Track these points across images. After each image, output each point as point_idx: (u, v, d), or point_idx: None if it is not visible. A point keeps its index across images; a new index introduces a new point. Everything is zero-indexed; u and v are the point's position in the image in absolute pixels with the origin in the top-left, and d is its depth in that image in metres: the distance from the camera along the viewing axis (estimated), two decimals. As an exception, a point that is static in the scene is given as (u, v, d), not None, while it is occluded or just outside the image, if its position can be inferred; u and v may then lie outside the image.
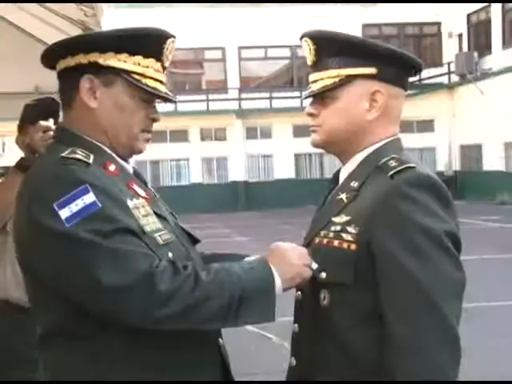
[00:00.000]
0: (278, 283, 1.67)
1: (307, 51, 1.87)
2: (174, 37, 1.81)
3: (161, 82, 1.79)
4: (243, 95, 27.16)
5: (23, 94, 4.04)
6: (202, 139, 27.20)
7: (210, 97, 26.79)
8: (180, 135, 26.47)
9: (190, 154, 26.74)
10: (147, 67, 1.75)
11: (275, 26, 26.24)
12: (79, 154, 1.66)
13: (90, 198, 1.56)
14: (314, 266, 1.75)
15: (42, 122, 2.82)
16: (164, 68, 1.81)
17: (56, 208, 1.55)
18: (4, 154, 21.39)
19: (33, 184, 1.67)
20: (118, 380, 1.65)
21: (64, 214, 1.55)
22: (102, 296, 1.55)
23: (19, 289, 2.92)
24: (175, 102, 2.01)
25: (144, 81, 1.74)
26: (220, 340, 1.88)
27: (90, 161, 1.65)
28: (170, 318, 1.56)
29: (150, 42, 1.75)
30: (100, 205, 1.57)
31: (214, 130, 27.23)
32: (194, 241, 1.98)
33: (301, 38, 1.89)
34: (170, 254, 1.69)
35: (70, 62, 1.74)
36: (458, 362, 1.61)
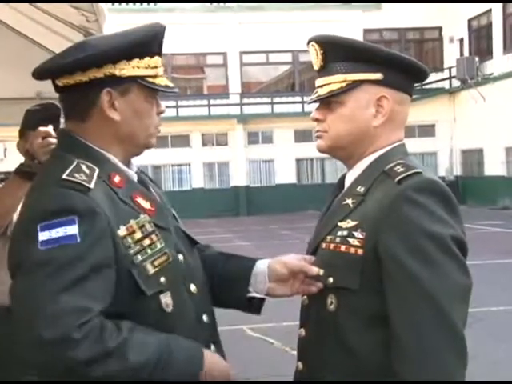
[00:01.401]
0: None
1: (314, 56, 1.87)
2: (165, 26, 1.83)
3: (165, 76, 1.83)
4: (245, 100, 27.19)
5: (25, 99, 4.04)
6: (204, 144, 27.23)
7: (212, 102, 26.83)
8: (181, 140, 26.50)
9: (192, 159, 26.76)
10: (156, 67, 1.77)
11: (277, 31, 26.30)
12: (83, 173, 1.64)
13: (72, 229, 1.55)
14: (321, 271, 1.77)
15: (42, 128, 2.80)
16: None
17: (39, 228, 1.55)
18: (5, 159, 21.45)
19: (32, 200, 1.67)
20: None
21: (42, 236, 1.54)
22: (23, 338, 1.54)
23: None
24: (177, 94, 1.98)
25: (157, 81, 1.77)
26: (212, 346, 1.86)
27: (92, 184, 1.63)
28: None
29: (154, 42, 1.78)
30: (79, 240, 1.55)
31: (216, 135, 27.27)
32: (194, 242, 1.97)
33: (308, 43, 1.89)
34: (163, 279, 1.69)
35: (82, 77, 1.70)
36: (464, 366, 1.62)
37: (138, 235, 1.68)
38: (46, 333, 1.47)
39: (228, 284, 1.98)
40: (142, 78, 1.74)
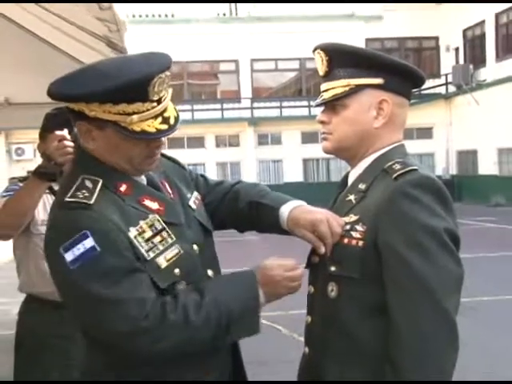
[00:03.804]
0: (262, 304, 1.73)
1: (319, 62, 1.87)
2: (163, 70, 1.65)
3: (154, 117, 1.67)
4: (255, 104, 27.16)
5: (53, 103, 4.06)
6: (217, 145, 27.22)
7: (225, 106, 26.81)
8: (196, 142, 26.50)
9: (206, 159, 26.76)
10: (132, 113, 1.63)
11: (285, 40, 26.26)
12: (85, 189, 1.67)
13: (89, 242, 1.59)
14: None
15: (58, 132, 2.77)
16: (159, 99, 1.68)
17: (62, 251, 1.59)
18: (35, 160, 21.55)
19: (49, 220, 1.72)
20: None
21: (69, 257, 1.59)
22: (102, 337, 1.65)
23: (44, 284, 2.93)
24: (167, 136, 1.85)
25: (130, 127, 1.64)
26: None
27: (92, 199, 1.64)
28: (161, 353, 1.65)
29: (130, 90, 1.61)
30: (99, 249, 1.59)
31: (228, 136, 27.25)
32: (208, 230, 1.98)
33: (314, 50, 1.89)
34: (177, 270, 1.72)
35: (68, 104, 1.70)
36: (456, 351, 1.63)
37: (149, 234, 1.70)
38: (121, 327, 1.59)
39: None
40: (114, 122, 1.64)
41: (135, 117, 1.64)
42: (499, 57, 24.40)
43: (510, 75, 23.16)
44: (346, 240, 1.75)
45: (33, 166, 2.91)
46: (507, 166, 24.02)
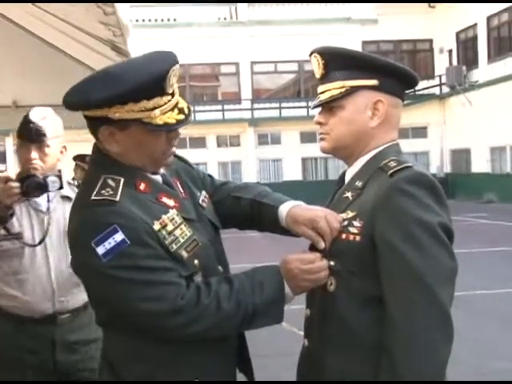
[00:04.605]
0: (289, 296, 1.75)
1: (316, 65, 1.87)
2: (174, 64, 1.69)
3: (171, 109, 1.72)
4: (255, 105, 27.19)
5: (59, 106, 4.06)
6: (219, 145, 27.25)
7: (226, 107, 26.84)
8: (198, 142, 26.51)
9: (208, 159, 26.77)
10: (153, 109, 1.67)
11: (284, 43, 26.29)
12: (109, 187, 1.69)
13: (119, 236, 1.62)
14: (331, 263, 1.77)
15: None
16: (173, 92, 1.72)
17: (94, 245, 1.62)
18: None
19: (73, 228, 1.73)
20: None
21: (100, 250, 1.62)
22: (138, 319, 1.67)
23: (6, 298, 2.80)
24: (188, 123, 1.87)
25: (154, 121, 1.68)
26: None
27: (117, 196, 1.67)
28: (190, 337, 1.70)
29: (150, 87, 1.65)
30: (128, 241, 1.62)
31: (229, 137, 27.27)
32: (216, 227, 1.99)
33: (310, 54, 1.89)
34: (196, 262, 1.75)
35: (88, 113, 1.71)
36: (450, 342, 1.63)
37: (170, 227, 1.73)
38: (158, 307, 1.63)
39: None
40: (138, 119, 1.67)
41: (157, 111, 1.67)
42: (491, 58, 24.44)
43: (501, 76, 23.20)
44: (343, 235, 1.75)
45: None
46: (499, 164, 24.05)
